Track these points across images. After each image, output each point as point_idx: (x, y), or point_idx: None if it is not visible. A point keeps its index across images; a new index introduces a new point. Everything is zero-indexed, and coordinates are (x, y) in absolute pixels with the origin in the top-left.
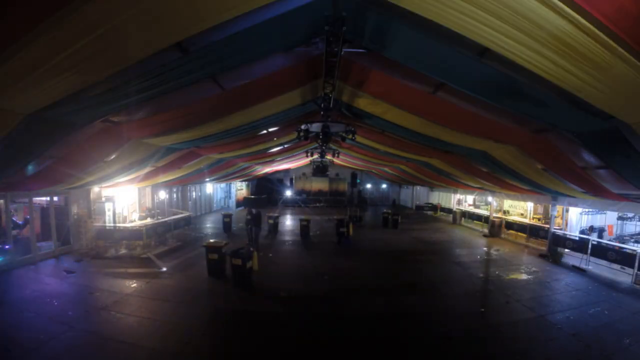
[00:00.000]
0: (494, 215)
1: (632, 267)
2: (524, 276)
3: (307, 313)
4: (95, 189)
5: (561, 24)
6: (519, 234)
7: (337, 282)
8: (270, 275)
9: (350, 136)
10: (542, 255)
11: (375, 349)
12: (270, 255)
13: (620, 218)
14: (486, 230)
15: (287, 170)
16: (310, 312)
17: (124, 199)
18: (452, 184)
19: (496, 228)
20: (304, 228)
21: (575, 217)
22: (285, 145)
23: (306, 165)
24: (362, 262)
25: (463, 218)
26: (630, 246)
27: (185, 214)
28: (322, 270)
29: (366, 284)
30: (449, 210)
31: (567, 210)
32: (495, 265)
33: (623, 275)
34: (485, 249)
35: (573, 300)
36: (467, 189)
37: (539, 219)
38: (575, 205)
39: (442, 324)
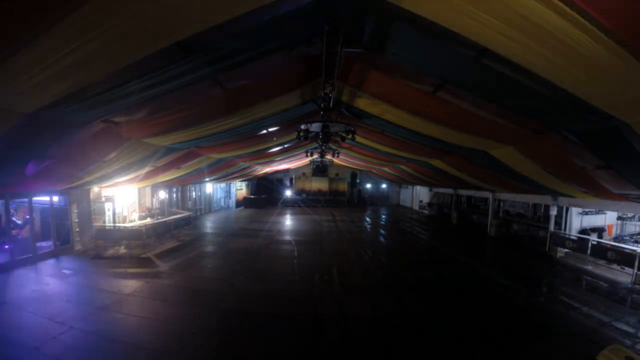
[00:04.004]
0: None
1: (632, 267)
2: None
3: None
4: (95, 189)
5: (561, 23)
6: None
7: None
8: None
9: (349, 136)
10: None
11: None
12: None
13: (620, 218)
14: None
15: (287, 170)
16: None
17: (123, 198)
18: (452, 183)
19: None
20: None
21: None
22: (285, 145)
23: (306, 165)
24: None
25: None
26: (630, 246)
27: (185, 214)
28: None
29: None
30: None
31: (566, 210)
32: None
33: (623, 275)
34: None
35: None
36: (467, 188)
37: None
38: (575, 205)
39: None
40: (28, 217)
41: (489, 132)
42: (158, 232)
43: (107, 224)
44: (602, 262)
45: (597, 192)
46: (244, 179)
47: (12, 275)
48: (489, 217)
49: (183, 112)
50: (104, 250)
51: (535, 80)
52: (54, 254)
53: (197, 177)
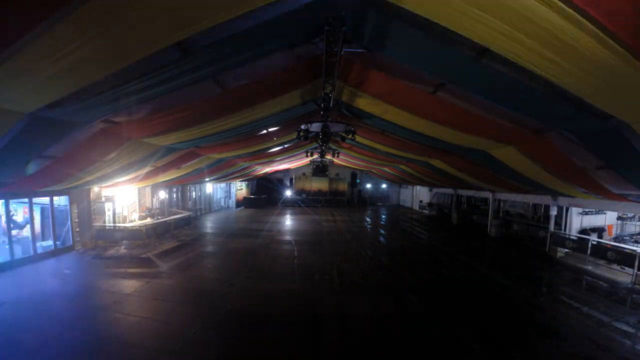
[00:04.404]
0: None
1: (632, 267)
2: None
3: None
4: (95, 189)
5: (561, 23)
6: None
7: None
8: None
9: (350, 136)
10: None
11: None
12: None
13: (620, 218)
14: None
15: (287, 170)
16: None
17: (123, 198)
18: (452, 183)
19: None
20: None
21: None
22: (285, 145)
23: (306, 165)
24: None
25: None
26: (630, 246)
27: (185, 214)
28: None
29: None
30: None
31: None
32: None
33: (623, 275)
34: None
35: None
36: (468, 188)
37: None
38: (575, 205)
39: None
40: (28, 217)
41: (489, 132)
42: (158, 232)
43: (107, 224)
44: (602, 262)
45: (597, 192)
46: (244, 179)
47: (12, 275)
48: (489, 217)
49: (183, 112)
50: (104, 250)
51: (536, 80)
52: (54, 254)
53: (197, 177)
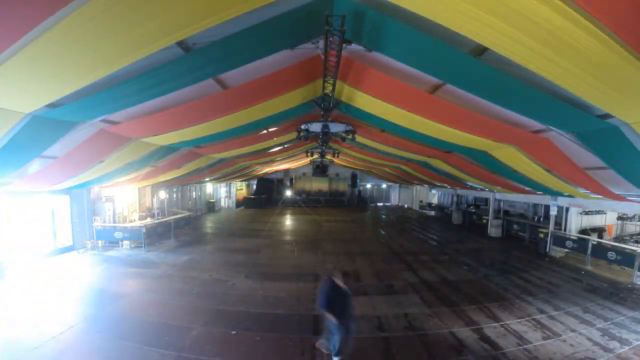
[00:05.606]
0: None
1: (632, 267)
2: None
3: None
4: (95, 189)
5: (560, 22)
6: None
7: None
8: None
9: (350, 136)
10: None
11: None
12: None
13: (620, 218)
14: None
15: (287, 170)
16: None
17: (123, 198)
18: (452, 183)
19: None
20: None
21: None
22: (285, 145)
23: (306, 165)
24: None
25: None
26: (630, 246)
27: (185, 214)
28: None
29: None
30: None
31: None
32: None
33: (623, 275)
34: None
35: None
36: (467, 188)
37: None
38: (575, 205)
39: None
40: None
41: (489, 132)
42: (158, 232)
43: (107, 224)
44: (602, 262)
45: (597, 192)
46: (244, 179)
47: (12, 275)
48: (489, 217)
49: (183, 112)
50: (104, 250)
51: (535, 80)
52: (53, 254)
53: (197, 177)
